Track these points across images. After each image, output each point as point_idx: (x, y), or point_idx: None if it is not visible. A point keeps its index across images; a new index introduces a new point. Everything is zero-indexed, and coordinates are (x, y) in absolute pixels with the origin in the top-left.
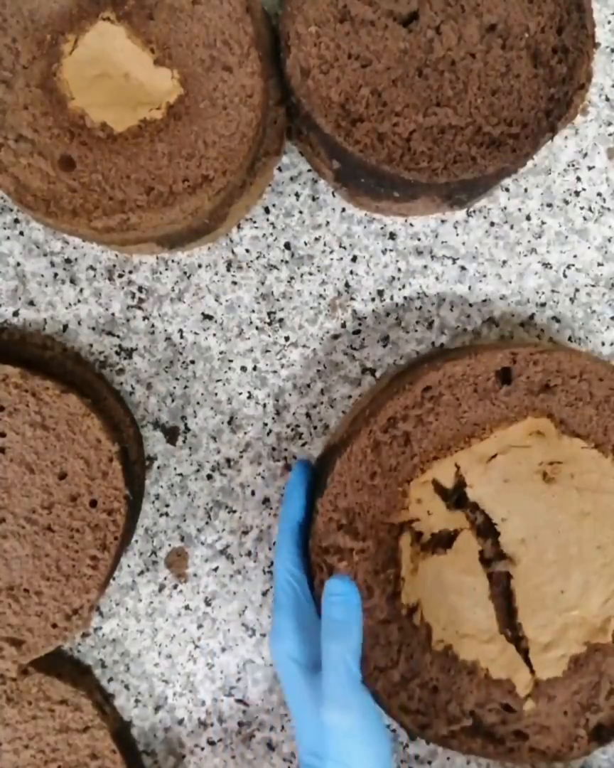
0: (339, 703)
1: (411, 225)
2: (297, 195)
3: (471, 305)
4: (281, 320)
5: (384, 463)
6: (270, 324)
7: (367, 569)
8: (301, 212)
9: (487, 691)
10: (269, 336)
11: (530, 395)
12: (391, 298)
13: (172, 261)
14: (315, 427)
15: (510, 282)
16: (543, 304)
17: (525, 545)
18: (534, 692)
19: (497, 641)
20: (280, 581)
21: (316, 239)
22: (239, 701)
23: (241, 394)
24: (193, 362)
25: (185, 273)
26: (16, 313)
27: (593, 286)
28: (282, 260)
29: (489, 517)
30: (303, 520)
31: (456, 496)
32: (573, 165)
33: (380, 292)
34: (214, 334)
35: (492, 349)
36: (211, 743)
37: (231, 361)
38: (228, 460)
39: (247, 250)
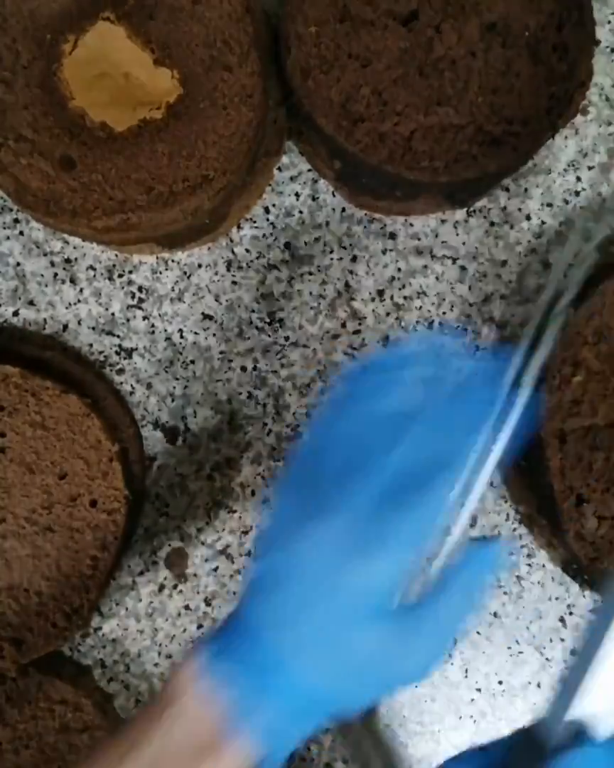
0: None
1: (411, 225)
2: (297, 195)
3: (471, 305)
4: (281, 320)
5: None
6: (270, 324)
7: (596, 390)
8: (300, 212)
9: None
10: (269, 336)
11: None
12: (391, 298)
13: (172, 261)
14: None
15: (510, 282)
16: None
17: None
18: None
19: None
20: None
21: (316, 239)
22: None
23: (241, 394)
24: (193, 362)
25: (185, 273)
26: (16, 313)
27: None
28: (282, 260)
29: None
30: None
31: None
32: (573, 165)
33: (380, 292)
34: (214, 334)
35: None
36: None
37: (231, 361)
38: (228, 460)
39: (247, 250)
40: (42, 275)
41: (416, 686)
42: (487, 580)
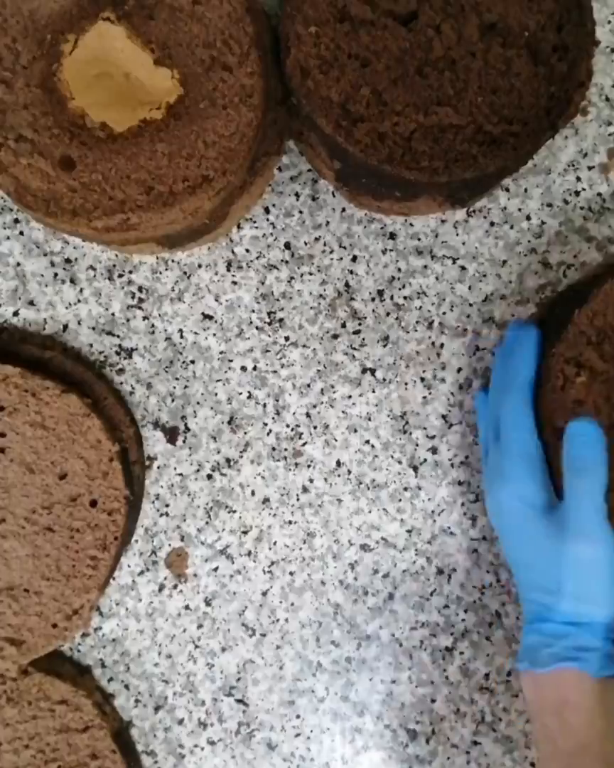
0: (586, 535)
1: (411, 225)
2: (297, 195)
3: (471, 305)
4: (281, 320)
5: None
6: (270, 324)
7: (601, 391)
8: (300, 212)
9: None
10: (269, 336)
11: None
12: (391, 298)
13: (172, 261)
14: (315, 427)
15: (510, 282)
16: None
17: None
18: None
19: None
20: (513, 428)
21: (316, 239)
22: (239, 701)
23: (241, 394)
24: (193, 362)
25: (185, 273)
26: (16, 313)
27: None
28: (282, 260)
29: None
30: (533, 377)
31: None
32: (573, 165)
33: (380, 292)
34: (214, 334)
35: None
36: (211, 743)
37: (231, 361)
38: (228, 460)
39: (247, 250)
40: (42, 275)
41: (416, 686)
42: (579, 452)
